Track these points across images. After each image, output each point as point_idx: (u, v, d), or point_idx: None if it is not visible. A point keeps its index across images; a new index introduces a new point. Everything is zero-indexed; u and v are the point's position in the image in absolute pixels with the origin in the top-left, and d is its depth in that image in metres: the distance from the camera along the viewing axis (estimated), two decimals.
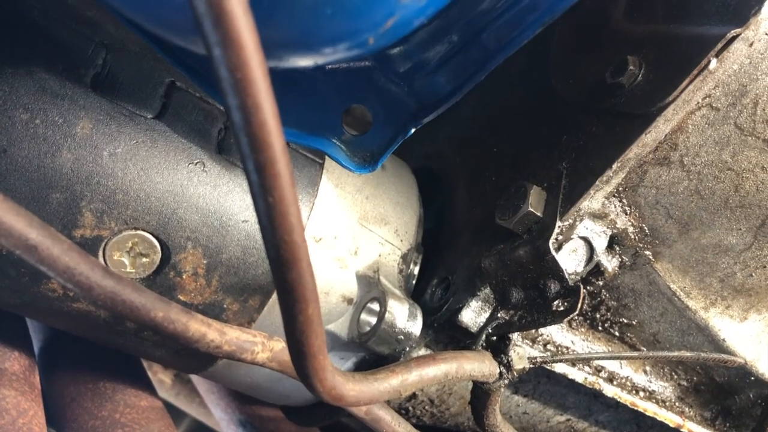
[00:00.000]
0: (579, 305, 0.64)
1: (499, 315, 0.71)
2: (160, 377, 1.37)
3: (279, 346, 0.58)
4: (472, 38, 0.56)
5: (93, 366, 0.96)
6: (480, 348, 0.69)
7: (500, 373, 0.67)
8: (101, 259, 0.69)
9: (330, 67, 0.63)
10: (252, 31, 0.34)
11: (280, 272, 0.43)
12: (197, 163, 0.70)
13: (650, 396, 0.93)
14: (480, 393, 0.69)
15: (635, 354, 0.79)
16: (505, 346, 0.68)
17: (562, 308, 0.65)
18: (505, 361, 0.67)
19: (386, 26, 0.38)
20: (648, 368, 0.96)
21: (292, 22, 0.38)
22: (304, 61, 0.43)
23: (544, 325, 0.65)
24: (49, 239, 0.45)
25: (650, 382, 0.96)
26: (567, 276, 0.68)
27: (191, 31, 0.45)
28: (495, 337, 0.69)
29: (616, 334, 0.90)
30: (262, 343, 0.56)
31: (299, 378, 0.50)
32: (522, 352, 0.68)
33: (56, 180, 0.64)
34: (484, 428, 0.75)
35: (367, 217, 0.81)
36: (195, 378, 1.27)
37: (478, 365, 0.64)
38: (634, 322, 0.88)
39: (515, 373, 0.67)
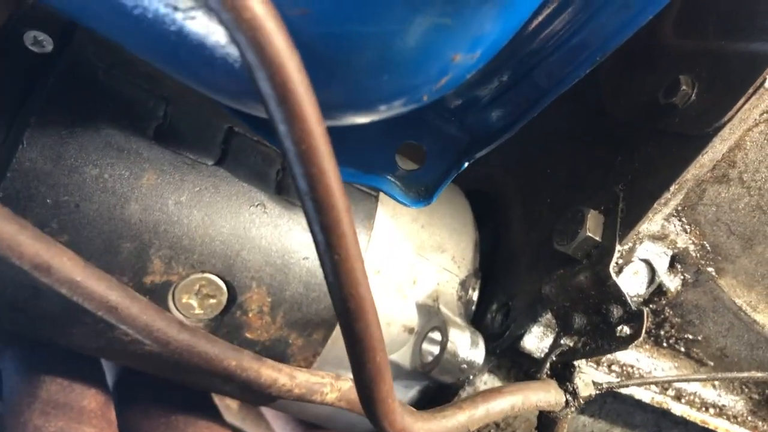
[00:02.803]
0: (643, 330, 0.63)
1: (562, 342, 0.71)
2: (227, 403, 1.40)
3: (347, 385, 0.59)
4: (523, 76, 0.57)
5: (164, 400, 0.99)
6: (545, 376, 0.69)
7: (566, 402, 0.67)
8: (171, 303, 0.71)
9: None
10: (314, 106, 0.35)
11: (348, 324, 0.44)
12: (258, 205, 0.72)
13: (720, 412, 0.91)
14: (547, 421, 0.70)
15: (702, 376, 0.78)
16: (570, 373, 0.68)
17: (627, 333, 0.65)
18: (571, 389, 0.67)
19: (440, 84, 0.39)
20: (717, 383, 0.94)
21: (349, 88, 0.39)
22: (361, 119, 0.44)
23: (609, 351, 0.65)
24: (128, 299, 0.48)
25: (720, 396, 0.94)
26: (629, 300, 0.68)
27: (247, 98, 0.47)
28: (559, 365, 0.70)
29: (682, 350, 0.89)
30: (330, 384, 0.58)
31: (369, 420, 0.51)
32: (587, 379, 0.68)
33: (126, 230, 0.67)
34: None
35: (423, 246, 0.82)
36: None
37: (544, 395, 0.65)
38: (699, 338, 0.87)
39: (581, 401, 0.67)
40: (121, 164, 0.67)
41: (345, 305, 0.43)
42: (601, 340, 0.67)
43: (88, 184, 0.66)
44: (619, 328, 0.67)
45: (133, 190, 0.67)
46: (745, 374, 0.77)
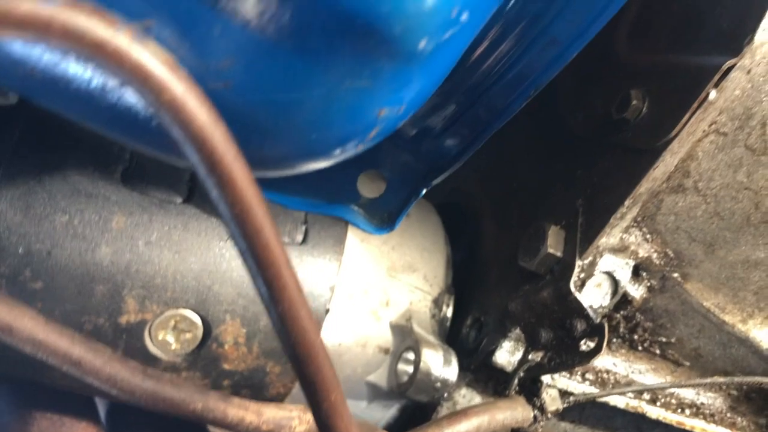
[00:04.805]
0: (604, 344, 0.65)
1: (530, 357, 0.72)
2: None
3: None
4: (468, 108, 0.59)
5: (157, 427, 1.00)
6: (514, 392, 0.71)
7: (534, 417, 0.69)
8: (148, 341, 0.73)
9: None
10: (243, 171, 0.37)
11: (300, 368, 0.46)
12: (227, 239, 0.74)
13: (698, 411, 0.93)
14: None
15: (666, 383, 0.79)
16: (537, 389, 0.70)
17: (590, 347, 0.66)
18: (538, 404, 0.69)
19: (370, 136, 0.41)
20: None
21: (282, 146, 0.41)
22: (304, 168, 0.46)
23: (572, 366, 0.67)
24: (91, 353, 0.49)
25: (698, 395, 0.95)
26: (592, 314, 0.69)
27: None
28: (528, 381, 0.71)
29: (657, 352, 0.91)
30: (298, 417, 0.59)
31: None
32: (554, 393, 0.70)
33: (98, 273, 0.69)
34: None
35: (395, 267, 0.84)
36: None
37: (511, 413, 0.66)
38: (673, 340, 0.88)
39: (549, 416, 0.69)
40: (90, 209, 0.69)
41: (294, 351, 0.45)
42: (565, 355, 0.69)
43: (59, 231, 0.67)
44: (582, 341, 0.69)
45: (103, 234, 0.69)
46: (707, 380, 0.78)
